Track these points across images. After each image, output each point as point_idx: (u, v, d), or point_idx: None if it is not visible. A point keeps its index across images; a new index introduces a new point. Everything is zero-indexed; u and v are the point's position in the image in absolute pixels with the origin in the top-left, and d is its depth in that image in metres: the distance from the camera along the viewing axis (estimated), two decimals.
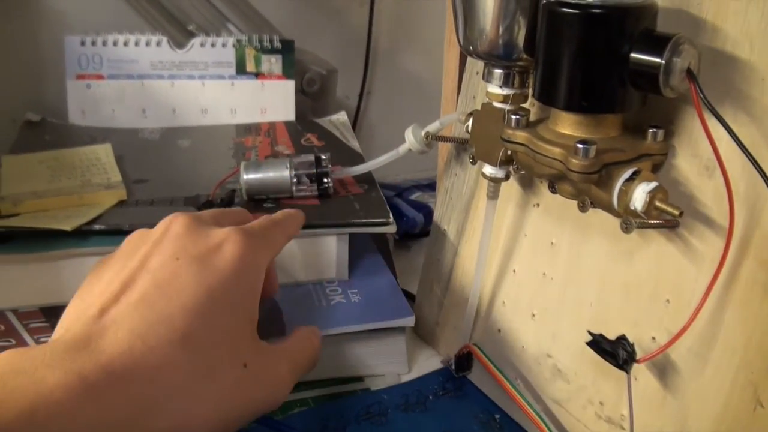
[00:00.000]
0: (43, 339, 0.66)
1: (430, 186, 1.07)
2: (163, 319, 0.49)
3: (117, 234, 0.70)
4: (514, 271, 0.69)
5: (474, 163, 0.66)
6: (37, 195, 0.74)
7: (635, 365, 0.54)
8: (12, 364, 0.43)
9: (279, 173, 0.76)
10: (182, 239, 0.55)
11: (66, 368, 0.43)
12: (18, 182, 0.77)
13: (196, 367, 0.49)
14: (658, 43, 0.49)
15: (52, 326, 0.66)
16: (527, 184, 0.67)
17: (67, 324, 0.51)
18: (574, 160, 0.52)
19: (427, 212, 0.99)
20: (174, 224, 0.56)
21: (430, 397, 0.70)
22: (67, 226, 0.68)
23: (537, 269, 0.66)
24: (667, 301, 0.55)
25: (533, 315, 0.66)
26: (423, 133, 0.73)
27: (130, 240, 0.57)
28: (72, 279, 0.69)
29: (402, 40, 1.22)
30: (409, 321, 0.71)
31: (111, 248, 0.67)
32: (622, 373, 0.55)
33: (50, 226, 0.68)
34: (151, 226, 0.69)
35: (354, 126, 1.08)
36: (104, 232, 0.70)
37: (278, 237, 0.62)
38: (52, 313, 0.69)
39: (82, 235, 0.70)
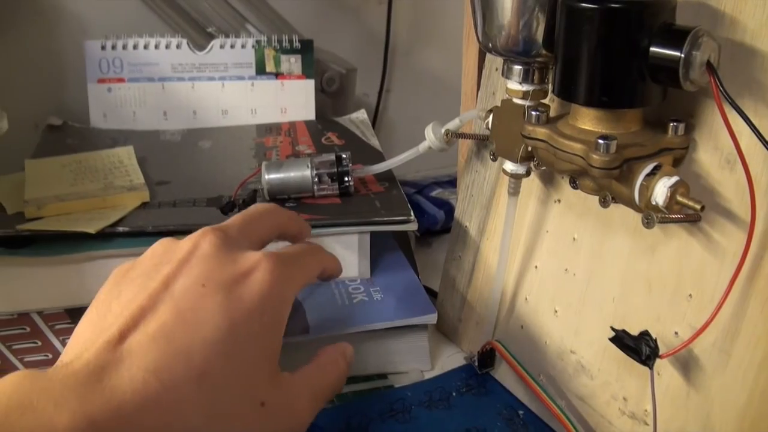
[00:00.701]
0: (68, 340, 0.66)
1: (451, 183, 1.07)
2: (181, 354, 0.47)
3: (140, 236, 0.70)
4: (536, 267, 0.69)
5: (495, 159, 0.66)
6: (61, 198, 0.75)
7: (658, 361, 0.54)
8: (20, 396, 0.42)
9: (300, 173, 0.76)
10: (210, 262, 0.52)
11: (75, 410, 0.42)
12: (41, 186, 0.78)
13: (212, 407, 0.48)
14: (677, 36, 0.49)
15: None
16: (548, 179, 0.66)
17: (82, 343, 0.48)
18: (594, 156, 0.52)
19: (448, 209, 0.99)
20: (203, 243, 0.53)
21: (454, 394, 0.70)
22: (91, 229, 0.69)
23: (559, 265, 0.66)
24: (690, 295, 0.55)
25: (556, 311, 0.66)
26: (443, 130, 0.73)
27: (155, 250, 0.55)
28: (96, 281, 0.68)
29: (420, 38, 1.22)
30: (432, 318, 0.71)
31: (134, 250, 0.69)
32: (646, 369, 0.55)
33: (74, 229, 0.69)
34: (176, 228, 0.71)
35: (373, 124, 1.08)
36: (128, 234, 0.71)
37: (312, 267, 0.60)
38: (77, 314, 0.69)
39: (106, 237, 0.70)
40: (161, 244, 0.55)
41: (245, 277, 0.52)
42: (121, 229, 0.71)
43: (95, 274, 0.69)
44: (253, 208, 0.61)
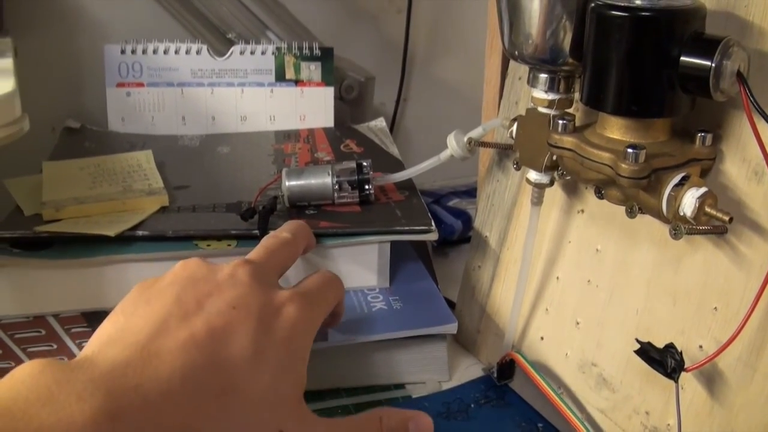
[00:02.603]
0: (84, 344, 0.66)
1: (468, 192, 1.07)
2: (209, 367, 0.47)
3: (160, 240, 0.70)
4: (557, 278, 0.68)
5: (518, 168, 0.66)
6: (79, 201, 0.74)
7: (682, 374, 0.54)
8: (40, 386, 0.41)
9: (321, 180, 0.76)
10: (245, 290, 0.53)
11: (97, 405, 0.41)
12: (59, 188, 0.77)
13: (230, 425, 0.48)
14: (708, 46, 0.49)
15: (94, 331, 0.67)
16: (571, 189, 0.66)
17: (104, 339, 0.48)
18: (623, 165, 0.51)
19: (466, 219, 0.99)
20: (240, 271, 0.55)
21: (472, 406, 0.70)
22: (110, 232, 0.68)
23: (582, 276, 0.65)
24: (715, 308, 0.55)
25: (578, 323, 0.66)
26: (465, 138, 0.72)
27: (187, 267, 0.55)
28: (114, 285, 0.69)
29: (439, 47, 1.22)
30: (452, 328, 0.70)
31: (154, 254, 0.68)
32: (669, 382, 0.54)
33: (93, 232, 0.69)
34: (196, 233, 0.71)
35: (391, 132, 1.07)
36: (147, 238, 0.70)
37: (332, 301, 0.62)
38: (94, 318, 0.69)
39: (125, 240, 0.70)
40: (195, 263, 0.56)
41: (275, 312, 0.53)
42: (140, 232, 0.70)
43: (113, 278, 0.69)
44: (273, 241, 0.63)
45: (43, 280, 0.69)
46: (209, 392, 0.47)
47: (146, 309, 0.50)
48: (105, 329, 0.50)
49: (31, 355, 0.65)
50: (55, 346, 0.66)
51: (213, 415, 0.47)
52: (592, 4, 0.52)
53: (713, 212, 0.50)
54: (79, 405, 0.41)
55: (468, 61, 1.06)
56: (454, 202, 1.05)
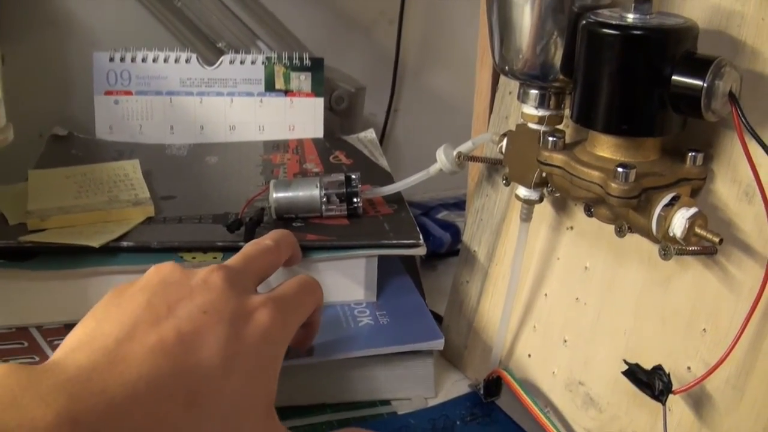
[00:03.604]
0: None
1: (457, 205, 1.06)
2: (176, 374, 0.47)
3: (145, 251, 0.69)
4: (545, 295, 0.67)
5: (507, 184, 0.65)
6: (64, 210, 0.74)
7: (670, 396, 0.53)
8: (4, 390, 0.41)
9: (309, 192, 0.75)
10: (216, 294, 0.52)
11: (59, 410, 0.40)
12: (44, 197, 0.77)
13: (196, 430, 0.47)
14: (700, 65, 0.48)
15: None
16: (561, 206, 0.66)
17: (73, 344, 0.47)
18: (613, 185, 0.51)
19: (454, 231, 0.98)
20: (212, 277, 0.54)
21: (458, 423, 0.69)
22: (95, 243, 0.68)
23: (570, 294, 0.65)
24: (704, 330, 0.54)
25: (565, 340, 0.65)
26: (455, 153, 0.72)
27: (159, 271, 0.54)
28: (98, 296, 0.67)
29: (430, 58, 1.21)
30: (438, 344, 0.70)
31: (139, 266, 0.67)
32: (657, 404, 0.54)
33: (78, 242, 0.68)
34: (181, 245, 0.70)
35: (380, 143, 1.07)
36: (132, 249, 0.70)
37: (309, 307, 0.61)
38: None
39: (110, 252, 0.69)
40: (168, 267, 0.55)
41: (247, 317, 0.53)
42: (125, 243, 0.70)
43: (98, 289, 0.68)
44: (253, 247, 0.62)
45: (26, 290, 0.68)
46: (175, 399, 0.46)
47: (117, 313, 0.50)
48: (75, 334, 0.49)
49: None
50: (37, 359, 0.65)
51: (178, 423, 0.46)
52: (584, 22, 0.52)
53: (703, 233, 0.50)
54: (42, 409, 0.40)
55: (459, 72, 1.06)
56: (442, 215, 1.05)
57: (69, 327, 0.67)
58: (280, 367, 0.54)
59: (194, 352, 0.48)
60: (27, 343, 0.67)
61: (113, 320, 0.49)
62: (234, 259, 0.60)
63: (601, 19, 0.51)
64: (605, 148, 0.54)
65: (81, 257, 0.68)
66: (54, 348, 0.65)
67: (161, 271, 0.54)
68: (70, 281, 0.68)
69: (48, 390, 0.41)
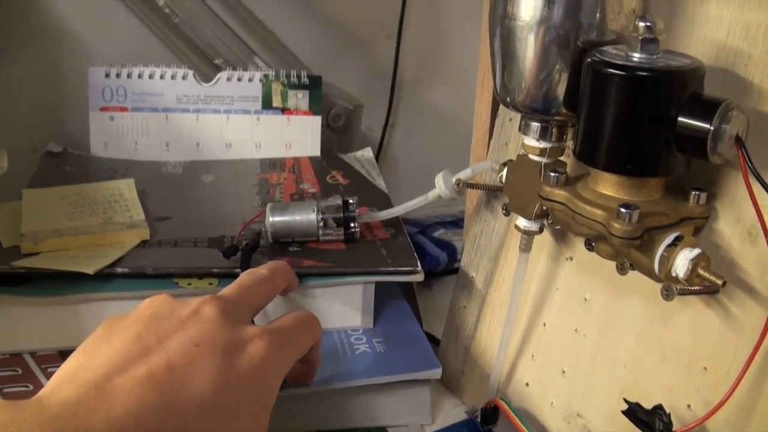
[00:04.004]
0: None
1: (454, 223, 1.05)
2: (166, 406, 0.46)
3: (140, 277, 0.69)
4: (544, 324, 0.67)
5: (507, 214, 0.65)
6: (58, 233, 0.73)
7: None
8: None
9: (305, 216, 0.75)
10: (209, 326, 0.51)
11: None
12: (38, 218, 0.76)
13: None
14: (706, 108, 0.48)
15: None
16: (560, 236, 0.65)
17: (61, 379, 0.46)
18: (616, 225, 0.50)
19: (451, 251, 0.98)
20: (205, 307, 0.53)
21: None
22: (89, 269, 0.67)
23: (569, 325, 0.64)
24: (705, 368, 0.54)
25: (564, 371, 0.65)
26: (454, 180, 0.71)
27: (152, 305, 0.53)
28: (93, 323, 0.66)
29: (428, 74, 1.21)
30: (436, 373, 0.69)
31: (134, 293, 0.67)
32: None
33: (72, 269, 0.67)
34: (176, 271, 0.70)
35: (377, 158, 1.06)
36: (127, 275, 0.69)
37: (306, 342, 0.59)
38: None
39: (104, 277, 0.68)
40: (161, 299, 0.54)
41: (241, 348, 0.52)
42: (120, 270, 0.69)
43: (92, 315, 0.68)
44: (248, 277, 0.61)
45: (20, 316, 0.68)
46: None
47: (106, 347, 0.49)
48: (65, 368, 0.48)
49: (7, 396, 0.63)
50: (31, 387, 0.64)
51: None
52: (589, 60, 0.51)
53: (706, 275, 0.49)
54: None
55: (457, 87, 1.05)
56: (439, 233, 1.04)
57: (63, 353, 0.67)
58: (273, 400, 0.54)
59: (185, 384, 0.47)
60: (21, 370, 0.66)
61: (103, 354, 0.48)
62: (229, 289, 0.59)
63: (606, 58, 0.50)
64: (608, 185, 0.53)
65: (75, 283, 0.68)
66: (48, 375, 0.65)
67: (153, 303, 0.54)
68: (64, 307, 0.68)
69: (30, 428, 0.41)
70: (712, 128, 0.47)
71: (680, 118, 0.48)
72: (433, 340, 0.79)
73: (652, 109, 0.49)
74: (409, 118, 1.22)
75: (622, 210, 0.50)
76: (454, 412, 0.74)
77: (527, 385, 0.68)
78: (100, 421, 0.43)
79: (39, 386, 0.64)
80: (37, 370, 0.66)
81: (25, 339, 0.68)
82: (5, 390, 0.64)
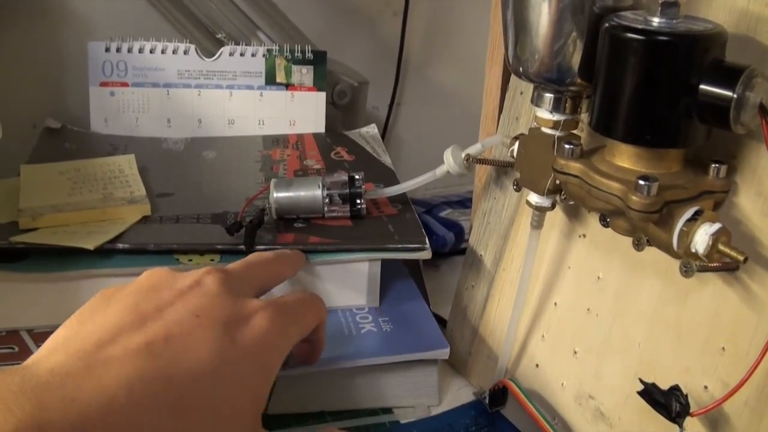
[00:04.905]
0: None
1: (461, 203, 1.04)
2: (161, 378, 0.44)
3: (141, 254, 0.67)
4: (555, 304, 0.65)
5: (518, 190, 0.63)
6: (57, 209, 0.71)
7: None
8: None
9: (310, 192, 0.73)
10: (210, 298, 0.50)
11: (24, 416, 0.37)
12: (37, 194, 0.74)
13: None
14: (729, 75, 0.46)
15: None
16: (573, 213, 0.63)
17: (53, 346, 0.45)
18: (634, 198, 0.48)
19: (458, 231, 0.96)
20: (206, 279, 0.52)
21: None
22: (90, 245, 0.65)
23: (581, 304, 0.63)
24: (723, 348, 0.52)
25: (575, 352, 0.63)
26: (463, 155, 0.69)
27: (151, 276, 0.52)
28: None
29: (435, 51, 1.19)
30: (444, 353, 0.67)
31: (134, 269, 0.65)
32: (671, 423, 0.51)
33: (71, 244, 0.66)
34: (179, 247, 0.68)
35: (383, 138, 1.05)
36: (127, 251, 0.67)
37: (310, 321, 0.58)
38: None
39: (105, 253, 0.67)
40: (161, 271, 0.53)
41: (243, 321, 0.50)
42: (120, 245, 0.67)
43: (91, 292, 0.64)
44: (256, 256, 0.61)
45: (17, 293, 0.66)
46: (157, 406, 0.43)
47: (102, 315, 0.47)
48: (57, 335, 0.46)
49: None
50: None
51: (162, 429, 0.43)
52: (606, 25, 0.49)
53: (727, 250, 0.47)
54: (4, 416, 0.37)
55: (465, 65, 1.03)
56: (446, 213, 1.02)
57: None
58: (274, 377, 0.52)
59: (183, 356, 0.46)
60: (17, 347, 0.65)
61: (97, 322, 0.46)
62: (234, 264, 0.58)
63: (624, 23, 0.48)
64: (625, 157, 0.51)
65: (74, 259, 0.66)
66: None
67: (153, 275, 0.52)
68: (62, 283, 0.66)
69: (14, 396, 0.39)
70: (735, 96, 0.45)
71: (702, 86, 0.46)
72: (441, 321, 0.77)
73: (673, 76, 0.47)
74: (416, 97, 1.20)
75: (641, 182, 0.48)
76: (461, 393, 0.73)
77: (537, 366, 0.67)
78: (89, 391, 0.41)
79: None
80: (34, 348, 0.65)
81: (22, 316, 0.67)
82: (1, 366, 0.62)
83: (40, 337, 0.66)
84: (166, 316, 0.47)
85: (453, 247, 0.96)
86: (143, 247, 0.68)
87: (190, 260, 0.67)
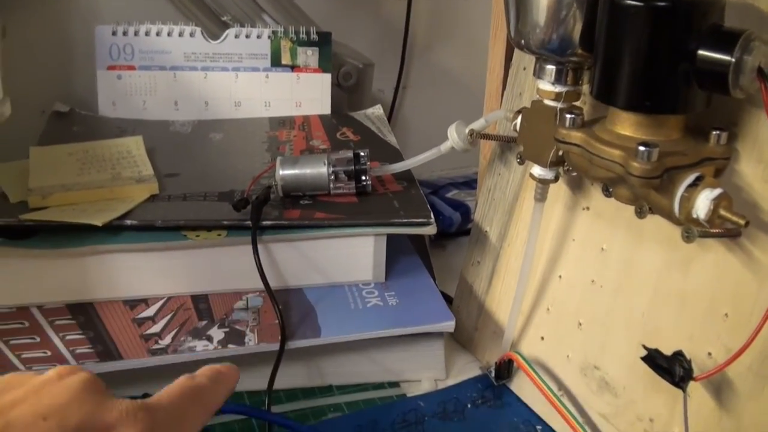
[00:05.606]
0: (69, 337, 0.64)
1: (467, 184, 1.04)
2: None
3: (149, 230, 0.68)
4: (560, 276, 0.66)
5: (522, 163, 0.63)
6: (66, 188, 0.72)
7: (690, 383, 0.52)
8: None
9: (316, 169, 0.73)
10: (65, 398, 0.41)
11: None
12: (46, 174, 0.75)
13: None
14: (727, 39, 0.46)
15: (79, 324, 0.65)
16: (576, 185, 0.64)
17: None
18: (635, 164, 0.49)
19: (464, 211, 0.97)
20: (70, 377, 0.42)
21: (469, 406, 0.68)
22: (98, 221, 0.66)
23: (585, 276, 0.63)
24: (726, 314, 0.52)
25: (580, 324, 0.64)
26: (467, 130, 0.70)
27: (10, 376, 0.43)
28: (100, 276, 0.67)
29: (440, 33, 1.19)
30: (449, 326, 0.68)
31: (141, 245, 0.66)
32: (675, 389, 0.52)
33: (80, 220, 0.66)
34: (186, 223, 0.69)
35: (388, 120, 1.05)
36: (136, 228, 0.68)
37: (197, 419, 0.46)
38: (78, 310, 0.67)
39: (113, 230, 0.67)
40: (17, 374, 0.44)
41: (103, 430, 0.41)
42: (129, 222, 0.68)
43: (100, 268, 0.67)
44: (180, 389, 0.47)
45: (27, 269, 0.67)
46: None
47: None
48: None
49: (14, 348, 0.62)
50: (38, 339, 0.64)
51: None
52: None
53: (728, 215, 0.48)
54: None
55: (470, 48, 1.03)
56: (452, 194, 1.03)
57: (70, 307, 0.66)
58: None
59: None
60: (28, 323, 0.66)
61: None
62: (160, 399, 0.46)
63: None
64: (626, 125, 0.52)
65: (83, 235, 0.67)
66: (56, 329, 0.64)
67: (13, 376, 0.43)
68: (71, 260, 0.67)
69: None
70: (733, 60, 0.45)
71: (700, 51, 0.47)
72: (447, 300, 0.77)
73: (672, 42, 0.47)
74: (421, 80, 1.20)
75: (641, 148, 0.48)
76: (467, 368, 0.73)
77: (542, 339, 0.67)
78: None
79: (46, 339, 0.64)
80: (44, 323, 0.65)
81: (32, 292, 0.67)
82: (12, 342, 0.63)
83: (50, 312, 0.67)
84: (10, 418, 0.39)
85: (459, 228, 0.96)
86: (151, 223, 0.68)
87: (198, 236, 0.68)
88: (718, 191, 0.48)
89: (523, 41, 0.57)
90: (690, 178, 0.49)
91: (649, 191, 0.50)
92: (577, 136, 0.54)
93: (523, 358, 0.66)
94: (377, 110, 0.99)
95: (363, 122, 0.96)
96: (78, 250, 0.66)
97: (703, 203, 0.48)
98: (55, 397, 0.41)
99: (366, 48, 1.07)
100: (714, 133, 0.51)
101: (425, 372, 0.71)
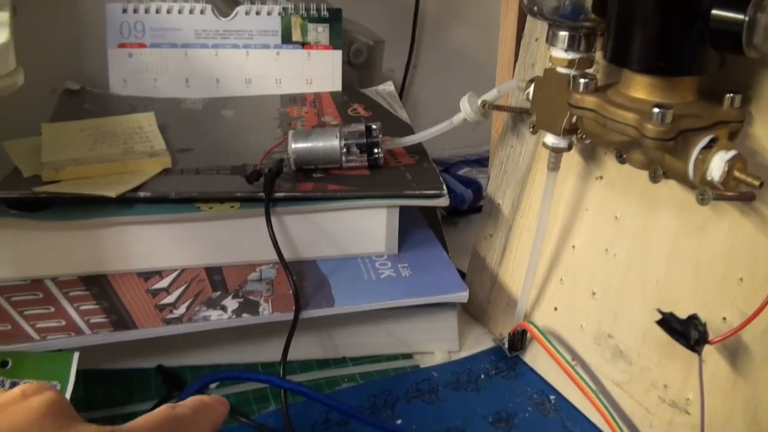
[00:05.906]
0: (83, 307, 0.64)
1: (479, 161, 1.04)
2: None
3: (162, 202, 0.68)
4: (573, 247, 0.66)
5: (534, 132, 0.63)
6: (79, 162, 0.72)
7: (704, 347, 0.51)
8: None
9: (328, 143, 0.73)
10: (27, 421, 0.37)
11: None
12: (59, 149, 0.75)
13: None
14: None
15: (93, 295, 0.65)
16: (589, 155, 0.63)
17: None
18: (649, 126, 0.49)
19: (476, 188, 0.97)
20: (34, 397, 0.38)
21: (482, 377, 0.68)
22: (112, 193, 0.66)
23: (599, 245, 0.63)
24: (741, 279, 0.52)
25: (594, 293, 0.63)
26: (479, 101, 0.69)
27: None
28: (114, 248, 0.67)
29: (451, 11, 1.19)
30: (463, 296, 0.68)
31: (155, 216, 0.66)
32: (689, 355, 0.52)
33: (94, 192, 0.66)
34: (199, 195, 0.69)
35: (399, 98, 1.04)
36: (149, 200, 0.68)
37: None
38: (92, 282, 0.67)
39: (126, 202, 0.67)
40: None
41: None
42: (142, 194, 0.68)
43: (113, 240, 0.67)
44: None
45: (41, 242, 0.67)
46: None
47: None
48: None
49: (28, 319, 0.63)
50: (52, 309, 0.64)
51: None
52: None
53: (743, 176, 0.48)
54: None
55: (481, 26, 1.03)
56: (464, 171, 1.03)
57: (84, 279, 0.67)
58: None
59: None
60: (42, 294, 0.66)
61: None
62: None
63: None
64: (640, 88, 0.51)
65: (96, 208, 0.67)
66: (70, 300, 0.64)
67: None
68: (85, 231, 0.67)
69: None
70: (747, 18, 0.45)
71: (713, 10, 0.46)
72: (461, 275, 0.77)
73: (684, 1, 0.47)
74: (432, 59, 1.20)
75: (656, 110, 0.48)
76: (480, 340, 0.74)
77: (556, 309, 0.67)
78: None
79: (60, 309, 0.64)
80: (58, 294, 0.66)
81: (46, 264, 0.68)
82: (26, 312, 0.63)
83: (64, 284, 0.67)
84: None
85: (471, 205, 0.96)
86: (165, 195, 0.68)
87: (211, 208, 0.68)
88: (732, 153, 0.48)
89: (535, 7, 0.57)
90: (704, 140, 0.49)
91: (664, 154, 0.50)
92: (590, 100, 0.54)
93: (537, 328, 0.66)
94: (388, 86, 0.99)
95: (374, 98, 0.96)
96: (91, 222, 0.66)
97: (717, 165, 0.48)
98: (13, 419, 0.37)
99: (377, 25, 1.07)
100: (728, 96, 0.50)
101: (438, 344, 0.71)
